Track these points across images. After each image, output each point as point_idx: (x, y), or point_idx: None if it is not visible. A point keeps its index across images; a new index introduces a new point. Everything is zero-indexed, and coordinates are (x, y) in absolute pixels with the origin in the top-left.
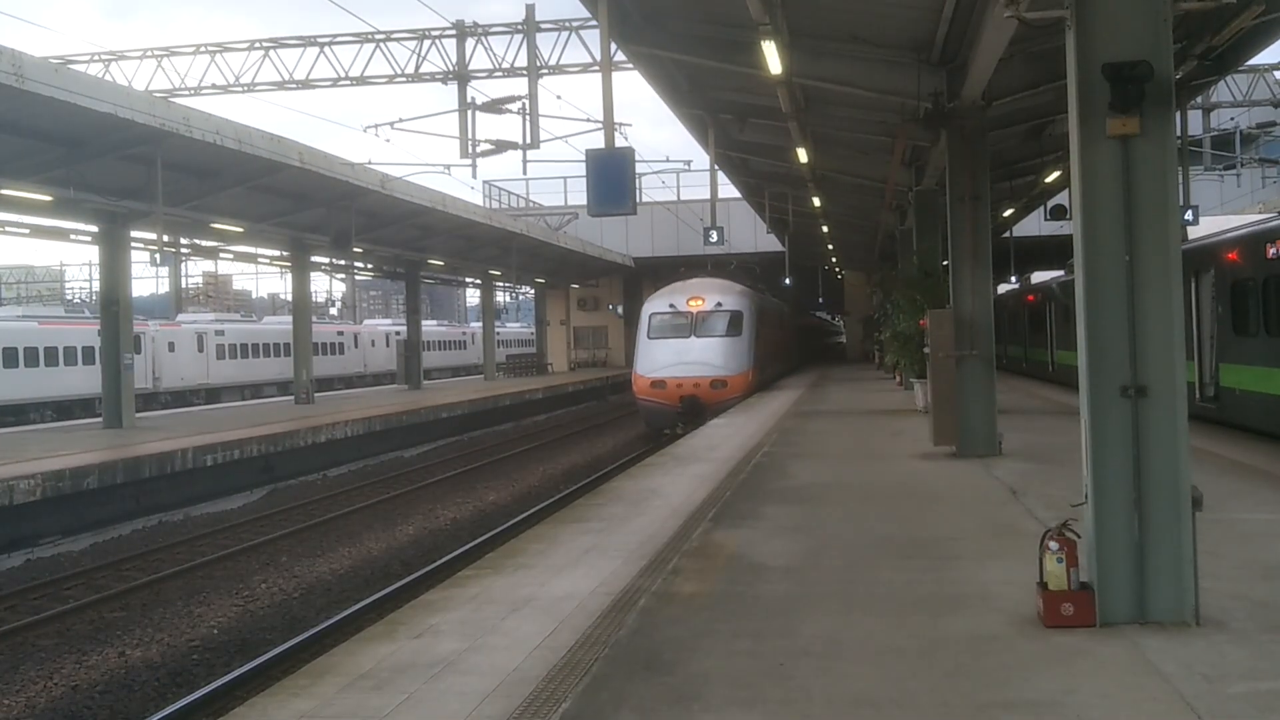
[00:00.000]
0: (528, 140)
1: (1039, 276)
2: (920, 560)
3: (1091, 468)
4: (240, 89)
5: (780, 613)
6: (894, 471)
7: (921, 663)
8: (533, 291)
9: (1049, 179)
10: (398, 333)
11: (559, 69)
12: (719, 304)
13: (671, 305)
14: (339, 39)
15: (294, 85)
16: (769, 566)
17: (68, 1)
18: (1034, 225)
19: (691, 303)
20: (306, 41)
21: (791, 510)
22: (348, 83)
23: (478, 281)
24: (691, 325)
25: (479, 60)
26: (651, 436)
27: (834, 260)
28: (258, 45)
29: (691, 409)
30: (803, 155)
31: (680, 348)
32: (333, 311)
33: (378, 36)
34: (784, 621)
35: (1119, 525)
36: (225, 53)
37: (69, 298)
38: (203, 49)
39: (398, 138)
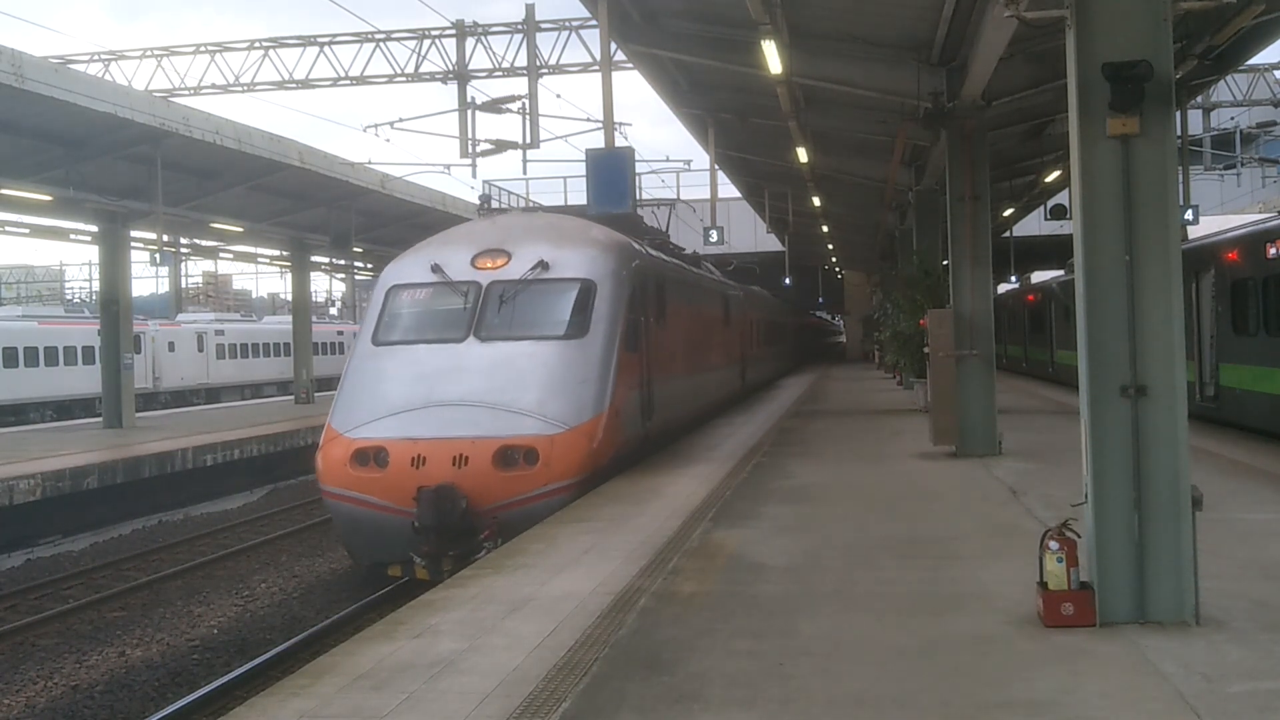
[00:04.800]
0: (528, 140)
1: (1039, 276)
2: (920, 560)
3: (1091, 467)
4: (240, 89)
5: (780, 612)
6: (894, 471)
7: (921, 662)
8: None
9: (1049, 179)
10: None
11: (559, 69)
12: (541, 264)
13: (435, 268)
14: (339, 39)
15: (294, 85)
16: (769, 566)
17: (75, 3)
18: (1034, 225)
19: (482, 263)
20: (306, 41)
21: (791, 510)
22: (348, 82)
23: None
24: (472, 314)
25: (479, 60)
26: (359, 581)
27: (834, 260)
28: (257, 45)
29: (443, 520)
30: (802, 155)
31: (437, 367)
32: (333, 311)
33: (378, 36)
34: (784, 621)
35: (1119, 525)
36: (225, 52)
37: (69, 297)
38: (203, 49)
39: (398, 137)
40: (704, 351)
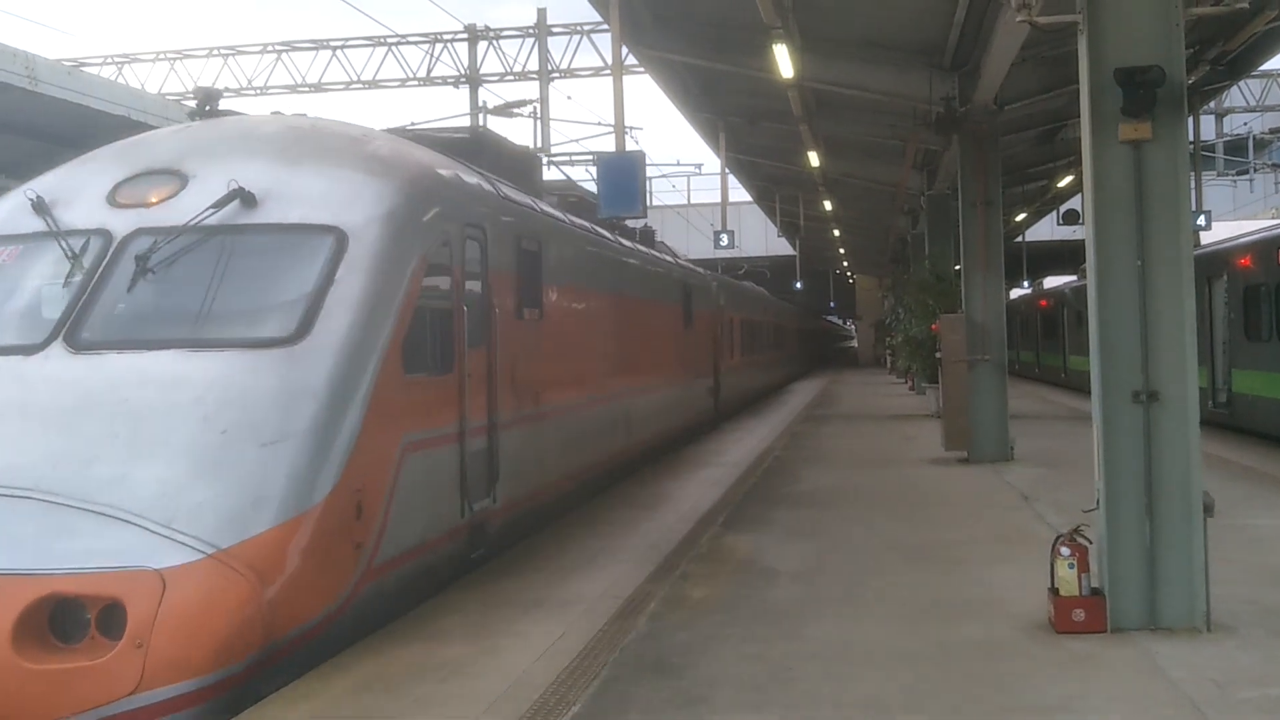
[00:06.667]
0: (539, 144)
1: (1051, 281)
2: (931, 565)
3: (1103, 473)
4: (253, 92)
5: (789, 617)
6: (905, 476)
7: (931, 668)
8: None
9: (1061, 184)
10: None
11: (570, 73)
12: (239, 195)
13: (40, 206)
14: (351, 42)
15: (307, 89)
16: (778, 571)
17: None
18: (1046, 230)
19: (129, 195)
20: (319, 45)
21: (801, 515)
22: (360, 86)
23: None
24: (78, 295)
25: (491, 64)
26: None
27: (845, 264)
28: (270, 49)
29: None
30: (814, 159)
31: None
32: None
33: (390, 40)
34: (793, 626)
35: (1130, 531)
36: (238, 55)
37: None
38: (215, 52)
39: None
40: (633, 363)
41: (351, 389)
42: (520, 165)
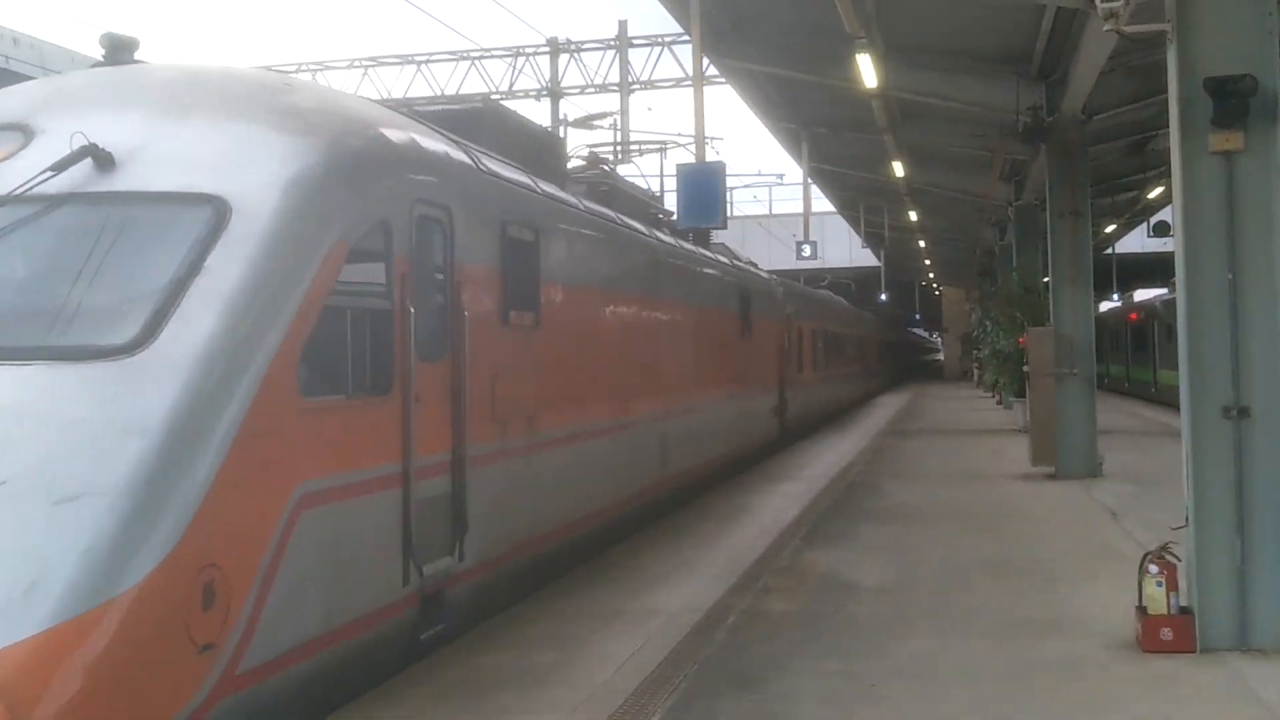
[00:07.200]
0: (619, 155)
1: (1142, 294)
2: (1016, 582)
3: (1193, 490)
4: None
5: (872, 633)
6: (991, 492)
7: (1016, 686)
8: None
9: (1152, 195)
10: None
11: (651, 84)
12: (92, 154)
13: None
14: (435, 57)
15: (392, 104)
16: (861, 586)
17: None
18: (1136, 242)
19: None
20: (405, 59)
21: (885, 530)
22: (444, 100)
23: None
24: None
25: (572, 76)
26: None
27: (931, 276)
28: (357, 64)
29: None
30: (898, 169)
31: None
32: None
33: (474, 54)
34: (876, 642)
35: (1220, 549)
36: (326, 71)
37: None
38: (304, 67)
39: None
40: (670, 379)
41: (207, 419)
42: (533, 145)
